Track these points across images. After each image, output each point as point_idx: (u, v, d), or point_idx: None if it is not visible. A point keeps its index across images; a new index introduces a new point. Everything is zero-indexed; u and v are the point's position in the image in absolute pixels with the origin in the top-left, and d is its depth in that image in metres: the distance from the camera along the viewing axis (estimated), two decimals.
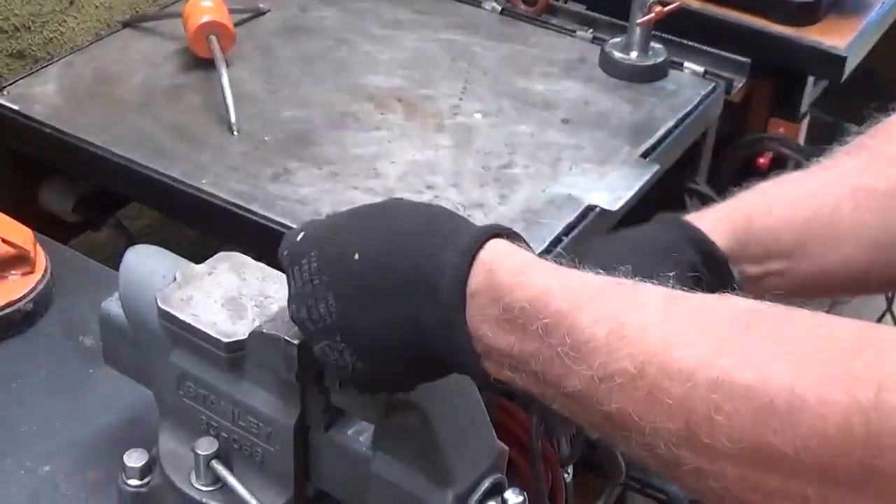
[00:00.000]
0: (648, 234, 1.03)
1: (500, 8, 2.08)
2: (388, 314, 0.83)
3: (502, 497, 0.93)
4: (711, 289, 0.86)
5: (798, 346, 0.70)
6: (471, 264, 0.80)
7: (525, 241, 0.85)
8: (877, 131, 1.10)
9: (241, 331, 0.99)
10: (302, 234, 0.90)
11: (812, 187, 1.06)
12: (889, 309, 2.81)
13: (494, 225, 0.85)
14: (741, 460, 0.68)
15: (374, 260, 0.84)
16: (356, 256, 0.85)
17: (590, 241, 0.99)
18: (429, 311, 0.81)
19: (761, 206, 1.04)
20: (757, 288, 1.03)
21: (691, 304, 0.76)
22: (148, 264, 1.10)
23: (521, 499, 0.93)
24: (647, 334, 0.73)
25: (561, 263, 0.82)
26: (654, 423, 0.71)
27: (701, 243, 1.01)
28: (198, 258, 1.09)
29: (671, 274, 0.89)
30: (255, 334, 0.96)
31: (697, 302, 0.76)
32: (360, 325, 0.85)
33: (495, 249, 0.82)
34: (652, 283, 0.78)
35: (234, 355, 1.00)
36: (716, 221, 1.03)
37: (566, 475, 1.71)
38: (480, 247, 0.81)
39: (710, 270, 1.00)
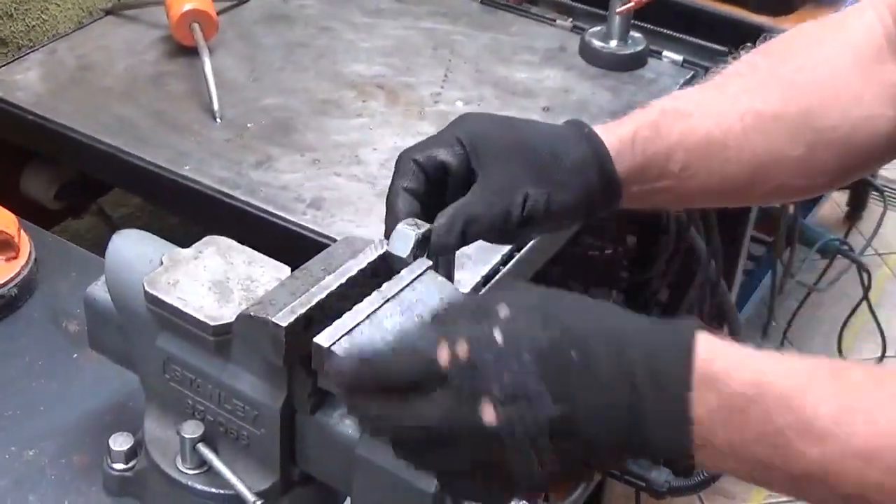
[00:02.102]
0: (560, 148, 1.03)
1: None
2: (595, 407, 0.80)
3: None
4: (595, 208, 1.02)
5: None
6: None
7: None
8: (769, 50, 1.14)
9: (227, 314, 0.99)
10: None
11: (707, 111, 1.08)
12: (865, 297, 2.84)
13: (686, 323, 0.83)
14: None
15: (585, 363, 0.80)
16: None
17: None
18: (651, 401, 0.79)
19: (661, 130, 1.06)
20: (641, 202, 1.08)
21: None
22: (134, 248, 1.10)
23: None
24: (874, 416, 0.75)
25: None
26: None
27: (605, 172, 1.03)
28: (180, 246, 1.09)
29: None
30: (243, 317, 0.96)
31: None
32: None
33: (707, 346, 0.80)
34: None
35: (221, 338, 1.00)
36: (621, 144, 1.05)
37: None
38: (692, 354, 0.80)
39: (604, 194, 1.04)
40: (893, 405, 0.76)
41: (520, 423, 0.78)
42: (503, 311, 0.82)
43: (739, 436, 0.77)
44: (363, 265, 0.99)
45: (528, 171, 1.00)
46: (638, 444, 0.80)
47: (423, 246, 0.99)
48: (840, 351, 2.93)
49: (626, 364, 0.79)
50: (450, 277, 1.03)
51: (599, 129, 1.05)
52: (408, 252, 0.98)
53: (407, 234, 0.99)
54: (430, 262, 1.01)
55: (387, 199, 1.02)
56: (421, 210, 1.01)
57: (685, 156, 1.07)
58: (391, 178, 1.02)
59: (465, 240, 1.00)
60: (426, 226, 0.99)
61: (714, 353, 0.79)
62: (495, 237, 1.01)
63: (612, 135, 1.05)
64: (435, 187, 1.02)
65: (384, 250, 0.99)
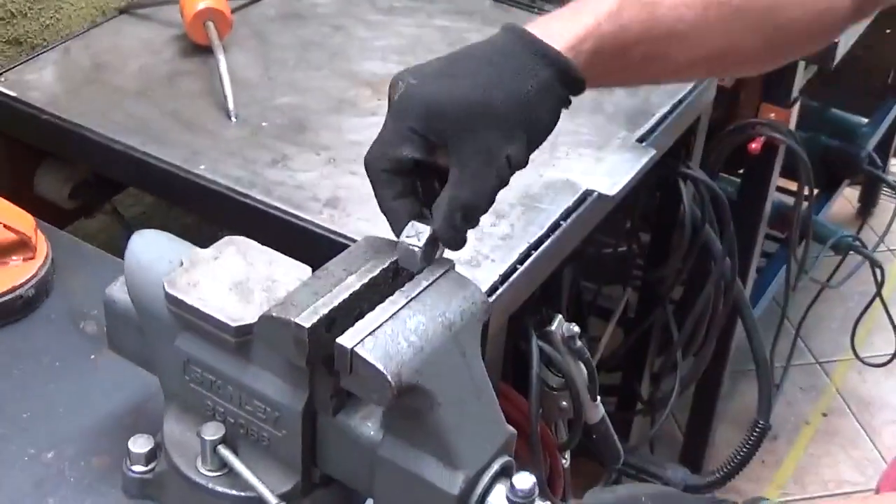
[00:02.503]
0: (518, 86, 1.00)
1: None
2: None
3: (511, 482, 0.93)
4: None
5: None
6: None
7: None
8: None
9: (249, 315, 0.99)
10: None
11: (669, 3, 1.08)
12: (878, 293, 2.83)
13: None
14: None
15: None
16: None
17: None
18: None
19: (623, 22, 1.05)
20: (596, 86, 1.07)
21: None
22: (154, 249, 1.09)
23: (531, 483, 0.93)
24: None
25: None
26: None
27: (569, 83, 1.02)
28: (196, 246, 1.09)
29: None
30: (265, 318, 0.96)
31: None
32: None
33: None
34: None
35: (243, 339, 1.00)
36: (579, 42, 1.02)
37: (564, 461, 1.73)
38: None
39: (570, 94, 1.03)
40: None
41: None
42: None
43: None
44: (385, 265, 0.99)
45: (497, 131, 0.98)
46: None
47: (432, 249, 0.99)
48: (853, 347, 2.92)
49: None
50: None
51: (553, 31, 1.02)
52: (417, 265, 0.98)
53: (411, 250, 0.98)
54: (452, 262, 1.00)
55: (382, 211, 1.01)
56: (419, 205, 1.00)
57: (646, 49, 1.07)
58: (373, 190, 1.00)
59: (469, 224, 0.99)
60: (428, 230, 0.98)
61: None
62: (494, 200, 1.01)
63: (569, 36, 1.02)
64: (418, 178, 1.00)
65: None
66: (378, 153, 0.99)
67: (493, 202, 1.00)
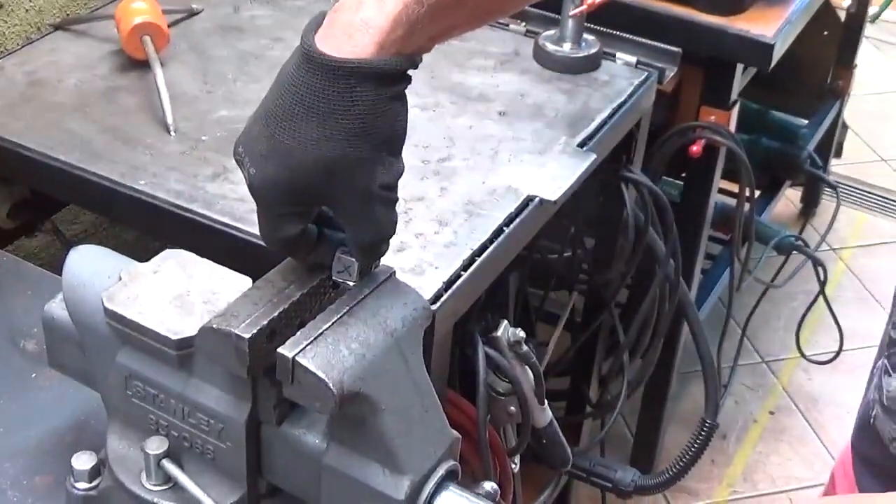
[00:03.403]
0: (312, 88, 0.94)
1: None
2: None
3: (480, 485, 0.94)
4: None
5: None
6: None
7: None
8: None
9: (190, 327, 0.99)
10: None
11: None
12: (822, 292, 2.86)
13: None
14: None
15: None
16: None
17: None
18: None
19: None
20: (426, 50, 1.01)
21: None
22: (92, 265, 1.09)
23: (493, 487, 0.94)
24: None
25: None
26: None
27: (378, 80, 0.94)
28: (138, 262, 1.08)
29: None
30: (205, 330, 0.96)
31: None
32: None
33: None
34: None
35: (184, 352, 0.99)
36: (390, 32, 0.94)
37: (513, 465, 1.73)
38: None
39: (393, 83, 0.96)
40: None
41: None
42: None
43: None
44: (325, 274, 0.99)
45: (354, 170, 0.94)
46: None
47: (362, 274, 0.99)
48: (799, 345, 2.94)
49: None
50: None
51: (356, 32, 0.93)
52: (354, 279, 0.98)
53: (348, 262, 0.98)
54: (392, 269, 1.01)
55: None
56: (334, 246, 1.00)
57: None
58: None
59: (384, 251, 0.99)
60: (355, 262, 0.98)
61: None
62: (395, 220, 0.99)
63: (376, 31, 0.93)
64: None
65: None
66: (268, 237, 0.99)
67: (395, 222, 0.98)
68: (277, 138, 0.95)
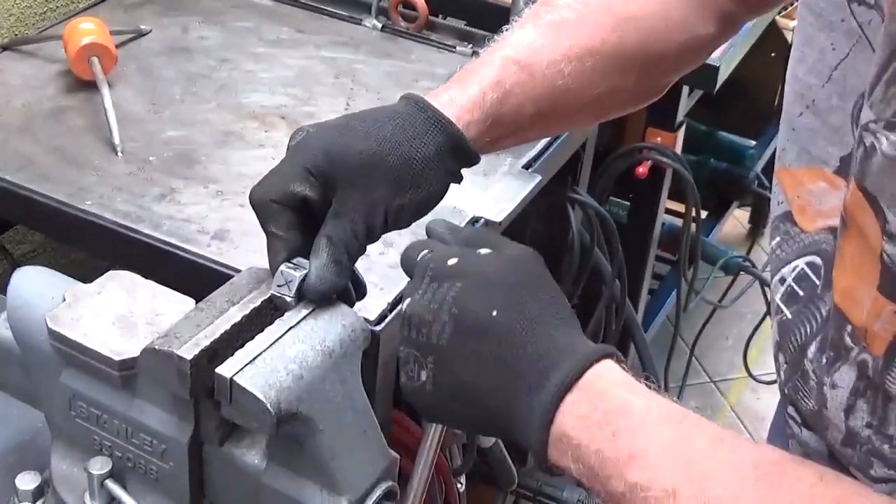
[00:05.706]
0: (409, 147, 1.02)
1: (380, 25, 2.10)
2: (486, 374, 0.87)
3: None
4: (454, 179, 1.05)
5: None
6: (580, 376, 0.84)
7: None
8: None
9: (132, 348, 0.99)
10: (456, 260, 0.92)
11: (548, 57, 1.11)
12: (769, 312, 2.89)
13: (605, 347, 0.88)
14: None
15: (502, 338, 0.87)
16: (494, 314, 0.87)
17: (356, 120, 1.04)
18: (525, 400, 0.85)
19: (506, 86, 1.08)
20: (491, 151, 1.11)
21: (733, 446, 0.82)
22: (35, 285, 1.09)
23: None
24: (692, 465, 0.79)
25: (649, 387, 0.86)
26: None
27: (460, 152, 1.04)
28: (84, 282, 1.09)
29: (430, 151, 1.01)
30: (148, 351, 0.96)
31: (739, 445, 0.82)
32: (457, 367, 0.88)
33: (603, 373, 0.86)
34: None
35: (127, 373, 1.00)
36: (470, 115, 1.06)
37: (459, 485, 1.74)
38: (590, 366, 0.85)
39: (462, 166, 1.06)
40: (713, 459, 0.80)
41: (415, 330, 0.90)
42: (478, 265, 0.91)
43: (587, 444, 0.82)
44: (266, 295, 1.00)
45: (385, 186, 1.00)
46: (497, 420, 0.87)
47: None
48: (746, 365, 2.97)
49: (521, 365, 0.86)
50: (350, 298, 1.04)
51: (444, 101, 1.05)
52: (293, 294, 0.99)
53: (290, 276, 0.99)
54: None
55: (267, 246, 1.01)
56: (300, 240, 1.00)
57: (533, 108, 1.10)
58: (260, 224, 1.01)
59: (344, 267, 1.00)
60: (297, 277, 0.98)
61: (607, 381, 0.84)
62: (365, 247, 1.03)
63: (459, 107, 1.05)
64: (305, 217, 1.01)
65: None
66: (268, 185, 1.00)
67: (363, 246, 1.01)
68: (353, 122, 1.03)
